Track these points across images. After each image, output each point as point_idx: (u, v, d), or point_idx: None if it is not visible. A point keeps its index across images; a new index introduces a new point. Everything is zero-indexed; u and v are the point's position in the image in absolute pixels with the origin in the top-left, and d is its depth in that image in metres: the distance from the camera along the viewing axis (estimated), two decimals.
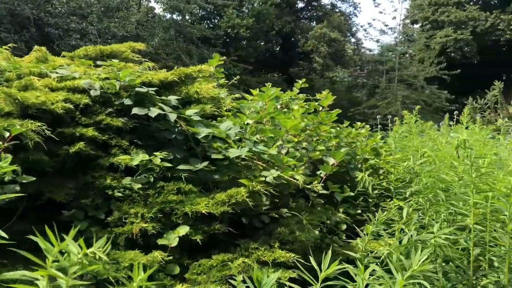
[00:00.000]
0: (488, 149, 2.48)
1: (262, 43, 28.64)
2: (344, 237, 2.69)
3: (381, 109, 24.57)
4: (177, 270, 2.19)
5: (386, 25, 32.04)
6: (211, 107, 2.82)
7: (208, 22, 27.10)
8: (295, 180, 2.24)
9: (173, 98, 2.56)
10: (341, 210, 2.99)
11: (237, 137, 2.59)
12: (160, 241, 2.11)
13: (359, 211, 2.96)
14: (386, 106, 25.15)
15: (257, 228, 2.46)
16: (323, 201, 2.91)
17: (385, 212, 1.79)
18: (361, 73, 30.11)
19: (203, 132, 2.34)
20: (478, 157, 1.82)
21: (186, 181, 2.41)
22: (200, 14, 26.29)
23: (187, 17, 24.42)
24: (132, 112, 2.40)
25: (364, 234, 1.76)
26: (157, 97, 2.57)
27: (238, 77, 3.88)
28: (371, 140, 3.39)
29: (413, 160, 2.15)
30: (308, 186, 2.24)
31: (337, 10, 31.61)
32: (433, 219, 2.00)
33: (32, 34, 15.80)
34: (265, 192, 2.22)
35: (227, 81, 3.46)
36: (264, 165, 2.34)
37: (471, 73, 27.82)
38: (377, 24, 73.87)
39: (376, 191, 2.98)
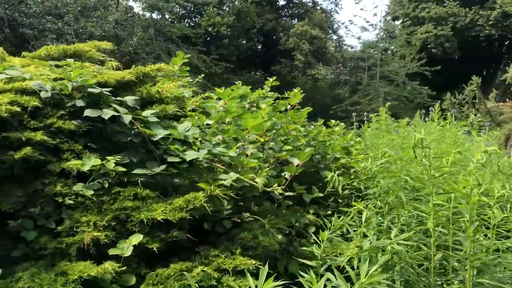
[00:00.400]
0: (457, 147, 2.41)
1: (244, 42, 28.45)
2: (313, 240, 2.58)
3: (363, 106, 24.62)
4: (133, 280, 2.07)
5: (367, 21, 32.07)
6: (173, 107, 2.70)
7: (189, 20, 26.80)
8: (255, 183, 2.13)
9: (129, 99, 2.43)
10: (311, 211, 2.90)
11: (200, 139, 2.48)
12: (112, 251, 1.99)
13: (329, 212, 2.87)
14: (369, 103, 25.19)
15: (220, 233, 2.36)
16: (291, 203, 2.81)
17: (342, 218, 1.70)
18: (343, 70, 30.14)
19: (159, 133, 2.22)
20: (438, 156, 1.74)
21: (144, 186, 2.29)
22: (180, 13, 25.97)
23: (167, 16, 24.12)
24: (84, 114, 2.27)
25: (320, 240, 1.66)
26: (113, 98, 2.44)
27: (203, 75, 3.76)
28: (342, 138, 3.30)
29: (371, 160, 2.06)
30: (269, 189, 2.14)
31: (318, 8, 31.56)
32: (392, 223, 1.91)
33: (7, 35, 15.41)
34: (224, 196, 2.11)
35: (191, 80, 3.33)
36: (223, 167, 2.23)
37: (452, 69, 28.05)
38: (358, 21, 74.46)
39: (346, 191, 2.89)
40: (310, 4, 31.68)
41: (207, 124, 2.44)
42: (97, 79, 2.53)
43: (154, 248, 2.09)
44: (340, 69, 30.21)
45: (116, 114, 2.27)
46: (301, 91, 3.61)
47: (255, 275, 2.19)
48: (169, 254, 2.26)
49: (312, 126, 4.07)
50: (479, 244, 1.69)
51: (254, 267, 2.04)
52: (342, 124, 4.35)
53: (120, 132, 2.36)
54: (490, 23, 28.76)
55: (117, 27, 18.62)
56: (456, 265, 1.71)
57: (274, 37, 29.21)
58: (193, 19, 26.90)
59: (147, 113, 2.34)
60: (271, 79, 3.85)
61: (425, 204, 1.75)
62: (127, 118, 2.25)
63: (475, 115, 9.47)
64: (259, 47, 30.64)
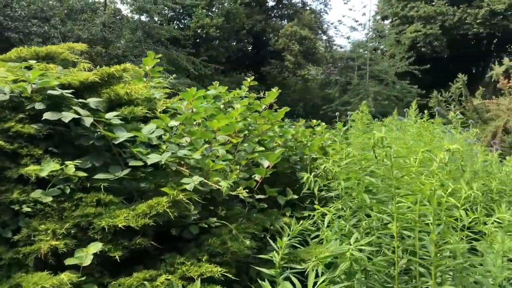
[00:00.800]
0: (434, 145, 2.33)
1: (234, 43, 28.29)
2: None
3: (354, 106, 24.55)
4: None
5: (356, 21, 32.11)
6: (141, 109, 2.61)
7: (178, 22, 26.62)
8: (219, 186, 2.04)
9: (92, 100, 2.33)
10: (287, 214, 2.81)
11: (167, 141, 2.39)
12: (69, 261, 1.88)
13: (306, 214, 2.79)
14: (359, 103, 25.11)
15: (189, 239, 2.26)
16: (266, 205, 2.73)
17: (301, 222, 1.61)
18: (334, 70, 30.09)
19: (121, 136, 2.13)
20: (400, 156, 1.66)
21: (109, 191, 2.20)
22: (169, 15, 25.80)
23: (155, 19, 23.94)
24: (43, 117, 2.17)
25: (278, 247, 1.57)
26: (76, 100, 2.34)
27: (174, 75, 3.67)
28: (319, 138, 3.22)
29: (332, 161, 1.98)
30: (233, 193, 2.05)
31: (307, 8, 31.49)
32: (358, 227, 1.83)
33: None
34: (187, 201, 2.01)
35: (162, 80, 3.24)
36: (187, 171, 2.14)
37: (442, 68, 28.11)
38: (348, 21, 74.79)
39: (323, 192, 2.81)
40: (300, 4, 31.62)
41: (173, 126, 2.35)
42: (59, 80, 2.43)
43: (117, 257, 2.00)
44: (330, 69, 30.17)
45: (77, 116, 2.18)
46: (278, 91, 3.52)
47: (225, 283, 2.11)
48: (135, 261, 2.17)
49: (294, 126, 3.99)
50: (446, 248, 1.61)
51: (220, 274, 1.95)
52: (324, 124, 4.28)
53: (82, 135, 2.26)
54: (478, 21, 28.85)
55: (105, 29, 18.42)
56: (422, 270, 1.62)
57: (264, 38, 29.09)
58: (182, 21, 26.73)
59: (110, 115, 2.25)
60: (249, 79, 3.77)
61: (389, 206, 1.67)
62: (88, 121, 2.15)
63: (458, 112, 9.44)
64: (249, 48, 30.52)
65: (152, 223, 2.03)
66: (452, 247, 1.58)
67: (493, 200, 2.81)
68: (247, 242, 2.09)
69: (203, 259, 2.05)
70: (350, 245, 1.53)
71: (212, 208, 2.37)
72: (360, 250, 1.54)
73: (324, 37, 32.71)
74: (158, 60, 3.08)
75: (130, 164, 2.10)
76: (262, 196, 2.46)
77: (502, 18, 28.34)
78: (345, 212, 1.91)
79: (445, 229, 1.59)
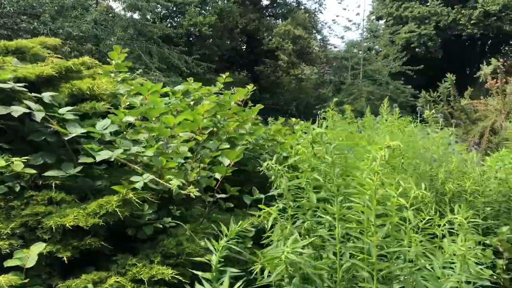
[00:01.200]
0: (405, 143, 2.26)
1: (227, 42, 28.13)
2: (251, 245, 2.40)
3: (347, 105, 24.48)
4: None
5: (350, 21, 32.08)
6: (103, 104, 2.52)
7: (171, 20, 26.45)
8: (169, 185, 1.95)
9: (46, 95, 2.24)
10: (256, 214, 2.73)
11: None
12: (9, 263, 1.79)
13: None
14: (352, 102, 25.09)
15: (145, 240, 2.18)
16: (232, 205, 2.65)
17: (240, 222, 1.53)
18: (328, 70, 30.03)
19: (74, 132, 2.04)
20: (340, 153, 1.58)
21: (62, 189, 2.11)
22: (162, 13, 25.61)
23: (148, 16, 23.75)
24: None
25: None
26: (29, 94, 2.25)
27: (140, 70, 3.58)
28: (290, 137, 3.14)
29: (276, 159, 1.89)
30: (184, 192, 1.96)
31: (302, 7, 31.38)
32: (307, 229, 1.75)
33: None
34: (137, 200, 1.93)
35: (129, 74, 3.14)
36: (139, 168, 2.05)
37: (436, 68, 28.08)
38: (342, 21, 74.93)
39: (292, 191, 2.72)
40: (294, 4, 31.48)
41: (127, 121, 2.25)
42: (14, 74, 2.34)
43: (65, 258, 1.91)
44: (324, 68, 30.11)
45: (28, 111, 2.08)
46: (254, 88, 3.44)
47: (181, 284, 2.02)
48: (89, 262, 2.09)
49: (271, 125, 3.91)
50: (392, 251, 1.52)
51: (171, 277, 1.87)
52: (302, 122, 4.21)
53: (34, 131, 2.17)
54: (472, 22, 28.87)
55: (96, 27, 18.25)
56: (366, 275, 1.53)
57: (258, 37, 28.93)
58: (175, 19, 26.56)
59: (63, 110, 2.15)
60: (223, 75, 3.68)
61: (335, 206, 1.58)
62: (39, 115, 2.06)
63: (447, 111, 9.39)
64: (243, 47, 30.38)
65: (102, 223, 1.94)
66: (393, 250, 1.49)
67: (467, 200, 2.74)
68: (202, 243, 2.00)
69: (156, 260, 1.96)
70: (288, 247, 1.44)
71: (172, 207, 2.29)
72: (302, 254, 1.46)
73: (318, 37, 32.65)
74: (126, 54, 2.99)
75: (80, 161, 2.01)
76: (223, 196, 2.38)
77: (496, 19, 28.37)
78: (287, 213, 1.83)
79: (395, 231, 1.51)
